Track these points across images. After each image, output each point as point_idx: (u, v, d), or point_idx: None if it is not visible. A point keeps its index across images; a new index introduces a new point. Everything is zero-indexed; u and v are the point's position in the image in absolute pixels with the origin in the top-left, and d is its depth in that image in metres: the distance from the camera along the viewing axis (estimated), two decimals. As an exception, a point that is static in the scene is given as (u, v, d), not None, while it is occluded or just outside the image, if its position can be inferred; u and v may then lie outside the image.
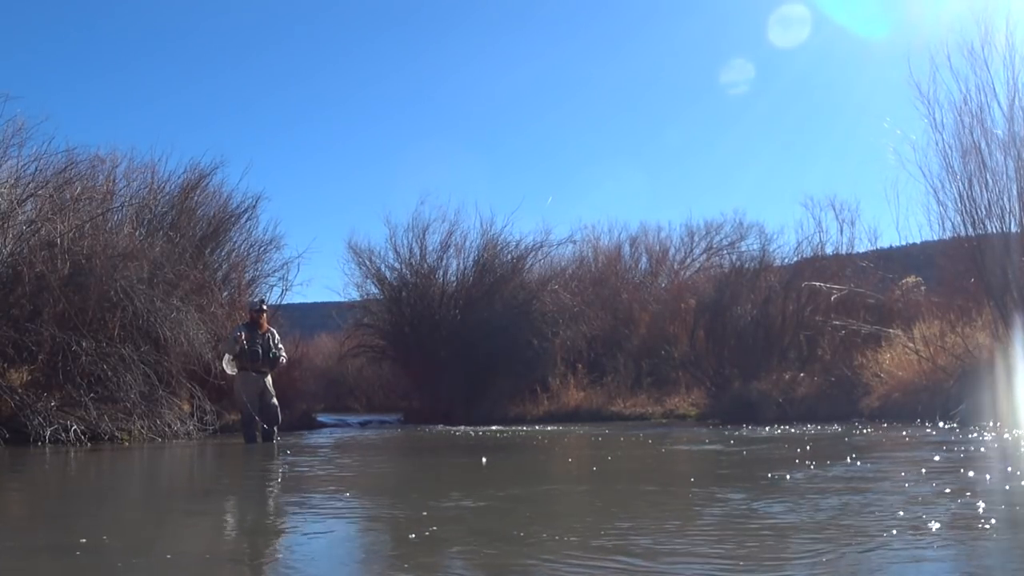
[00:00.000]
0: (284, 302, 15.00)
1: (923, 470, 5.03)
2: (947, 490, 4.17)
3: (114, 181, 12.57)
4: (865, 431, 9.09)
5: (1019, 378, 9.38)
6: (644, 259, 21.94)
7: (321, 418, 15.83)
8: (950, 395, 10.47)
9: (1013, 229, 10.75)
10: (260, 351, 9.49)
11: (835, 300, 14.36)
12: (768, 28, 33.90)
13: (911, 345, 12.24)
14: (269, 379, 9.63)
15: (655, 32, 45.53)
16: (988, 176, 10.85)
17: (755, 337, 15.09)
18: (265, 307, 9.90)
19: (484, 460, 6.41)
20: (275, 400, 9.62)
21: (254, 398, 9.52)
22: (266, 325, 9.71)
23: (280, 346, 9.76)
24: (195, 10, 46.18)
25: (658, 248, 21.95)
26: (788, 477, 4.87)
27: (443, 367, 17.09)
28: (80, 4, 43.52)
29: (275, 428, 9.52)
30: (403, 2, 48.51)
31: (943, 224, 11.35)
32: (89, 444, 8.83)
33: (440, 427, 13.24)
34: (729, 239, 21.64)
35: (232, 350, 9.45)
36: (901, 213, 18.51)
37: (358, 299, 19.95)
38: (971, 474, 4.81)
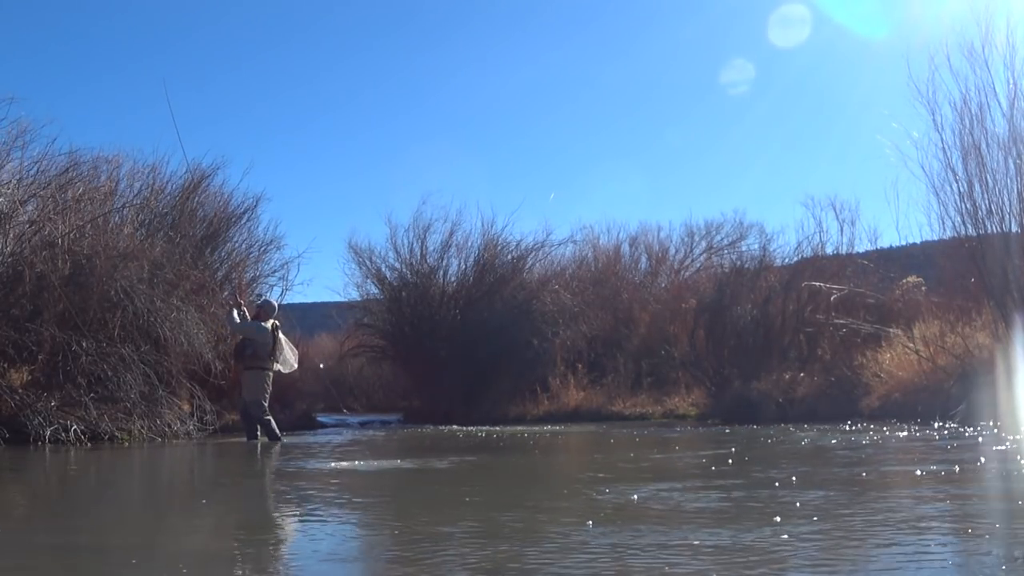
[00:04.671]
0: (284, 302, 15.00)
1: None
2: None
3: (116, 182, 12.60)
4: (857, 430, 9.10)
5: (1019, 378, 9.37)
6: (644, 259, 21.95)
7: (321, 418, 15.83)
8: (950, 395, 10.46)
9: (1013, 229, 10.74)
10: (242, 347, 9.52)
11: (835, 300, 14.35)
12: (768, 28, 33.88)
13: (911, 345, 12.23)
14: (250, 376, 9.46)
15: (655, 33, 45.50)
16: (988, 176, 10.86)
17: (755, 337, 15.09)
18: (263, 303, 9.90)
19: (485, 460, 6.42)
20: (252, 399, 9.37)
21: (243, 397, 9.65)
22: (259, 319, 9.67)
23: (245, 326, 9.59)
24: (196, 13, 46.18)
25: (658, 248, 21.96)
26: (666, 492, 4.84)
27: (443, 367, 17.09)
28: (83, 7, 43.52)
29: (270, 431, 9.40)
30: (404, 4, 48.51)
31: (943, 224, 11.36)
32: (89, 444, 8.83)
33: (441, 427, 13.24)
34: (729, 239, 21.66)
35: (237, 326, 9.70)
36: (901, 213, 18.53)
37: (358, 299, 19.96)
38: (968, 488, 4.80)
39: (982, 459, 5.62)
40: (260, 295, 10.59)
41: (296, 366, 9.81)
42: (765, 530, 3.07)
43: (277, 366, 9.59)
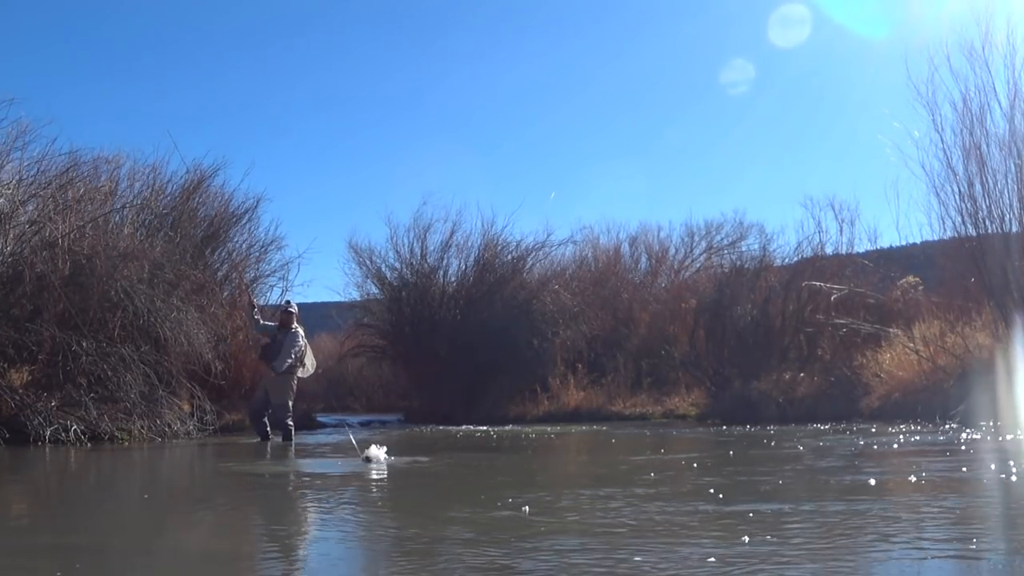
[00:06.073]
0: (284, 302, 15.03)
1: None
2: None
3: (116, 182, 12.61)
4: (858, 430, 9.10)
5: (1019, 378, 9.37)
6: (644, 259, 21.93)
7: (321, 418, 15.84)
8: (950, 395, 10.46)
9: (1013, 229, 10.75)
10: (269, 350, 9.55)
11: (835, 300, 14.35)
12: (768, 28, 33.87)
13: (911, 345, 12.23)
14: (279, 380, 9.50)
15: (655, 33, 45.49)
16: (988, 176, 10.86)
17: (755, 337, 15.08)
18: (291, 308, 9.83)
19: (486, 461, 6.41)
20: (280, 402, 9.45)
21: (261, 395, 9.67)
22: (291, 325, 9.64)
23: (294, 349, 9.45)
24: (196, 13, 46.17)
25: (658, 248, 21.94)
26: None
27: (443, 367, 17.09)
28: (83, 7, 43.51)
29: (286, 432, 9.43)
30: (403, 3, 48.49)
31: (943, 224, 11.36)
32: (89, 444, 8.84)
33: (440, 427, 13.25)
34: (729, 239, 21.64)
35: (256, 325, 9.88)
36: (901, 213, 18.52)
37: (358, 299, 19.99)
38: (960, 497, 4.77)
39: (982, 460, 5.61)
40: (288, 300, 10.58)
41: (312, 371, 9.86)
42: (759, 543, 3.06)
43: (300, 370, 9.66)
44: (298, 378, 9.68)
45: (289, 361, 9.40)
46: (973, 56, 10.81)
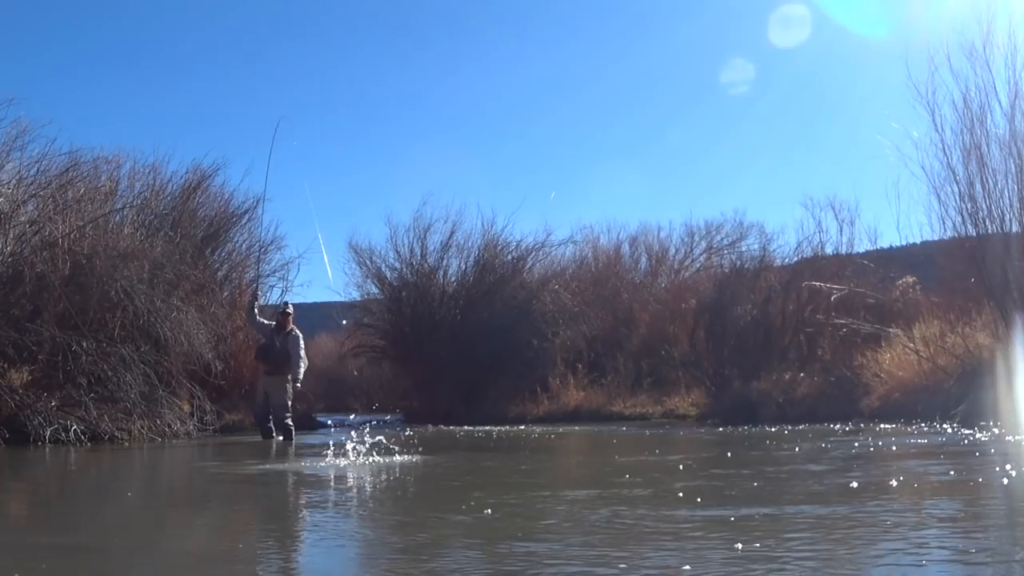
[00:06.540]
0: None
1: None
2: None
3: (117, 182, 12.63)
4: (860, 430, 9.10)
5: (1019, 378, 9.36)
6: (644, 259, 21.92)
7: (321, 418, 15.84)
8: (950, 395, 10.45)
9: (1013, 229, 10.73)
10: (269, 351, 9.57)
11: (835, 300, 14.34)
12: (768, 28, 33.81)
13: (911, 345, 12.23)
14: (278, 381, 9.63)
15: (655, 33, 45.52)
16: (989, 176, 10.84)
17: (755, 337, 15.07)
18: (289, 310, 9.92)
19: (485, 462, 6.41)
20: (280, 403, 9.58)
21: (261, 398, 9.77)
22: (288, 327, 9.74)
23: (297, 351, 9.59)
24: (197, 13, 46.21)
25: (658, 248, 21.92)
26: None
27: (443, 367, 17.10)
28: (83, 7, 43.54)
29: (287, 432, 9.50)
30: (404, 4, 48.53)
31: (944, 224, 11.34)
32: (89, 444, 8.84)
33: (440, 427, 13.24)
34: (729, 239, 21.62)
35: (253, 321, 10.10)
36: (901, 213, 18.46)
37: (358, 299, 19.99)
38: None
39: (982, 461, 5.61)
40: (285, 302, 10.64)
41: (301, 373, 9.92)
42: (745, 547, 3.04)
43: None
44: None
45: (304, 366, 9.67)
46: (974, 56, 10.80)
